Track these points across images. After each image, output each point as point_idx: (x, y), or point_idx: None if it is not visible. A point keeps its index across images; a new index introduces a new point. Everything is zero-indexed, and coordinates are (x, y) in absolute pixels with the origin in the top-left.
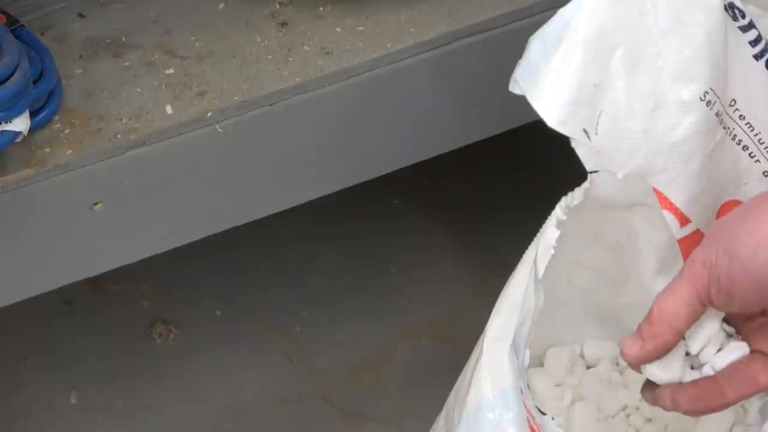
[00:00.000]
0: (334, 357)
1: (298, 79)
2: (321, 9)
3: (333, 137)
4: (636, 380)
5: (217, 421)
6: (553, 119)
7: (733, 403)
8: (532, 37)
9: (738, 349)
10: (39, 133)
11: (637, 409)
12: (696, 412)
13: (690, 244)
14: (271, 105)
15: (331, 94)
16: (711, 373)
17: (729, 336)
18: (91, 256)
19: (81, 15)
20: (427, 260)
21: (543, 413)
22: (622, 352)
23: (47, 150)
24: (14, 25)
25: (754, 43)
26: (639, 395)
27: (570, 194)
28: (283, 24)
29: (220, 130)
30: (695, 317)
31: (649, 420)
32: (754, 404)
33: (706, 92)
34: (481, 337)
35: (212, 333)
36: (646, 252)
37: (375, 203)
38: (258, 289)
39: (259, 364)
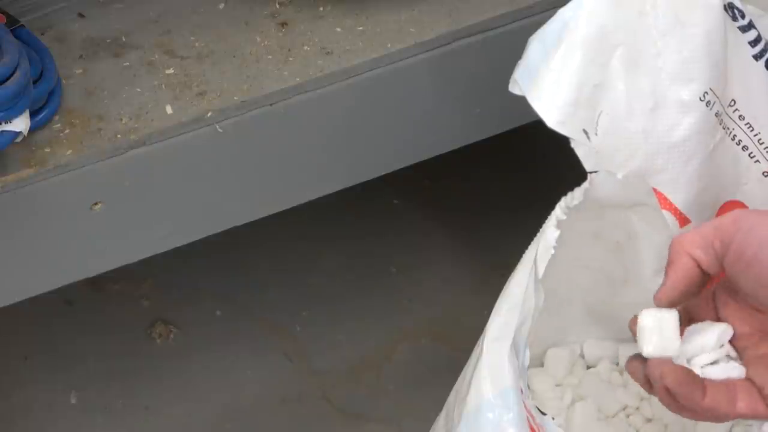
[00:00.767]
0: (334, 357)
1: (298, 79)
2: (321, 9)
3: (333, 137)
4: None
5: (217, 421)
6: (552, 120)
7: (703, 412)
8: (531, 38)
9: (735, 370)
10: (39, 133)
11: (637, 409)
12: (673, 394)
13: None
14: (271, 105)
15: (331, 94)
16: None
17: (729, 358)
18: (91, 256)
19: (81, 15)
20: (427, 260)
21: (543, 413)
22: (655, 298)
23: (47, 150)
24: (14, 25)
25: (753, 43)
26: (639, 395)
27: (570, 194)
28: (283, 24)
29: (220, 130)
30: (708, 259)
31: (649, 420)
32: None
33: (706, 92)
34: (481, 337)
35: (212, 333)
36: (646, 252)
37: (375, 203)
38: (258, 289)
39: (259, 364)
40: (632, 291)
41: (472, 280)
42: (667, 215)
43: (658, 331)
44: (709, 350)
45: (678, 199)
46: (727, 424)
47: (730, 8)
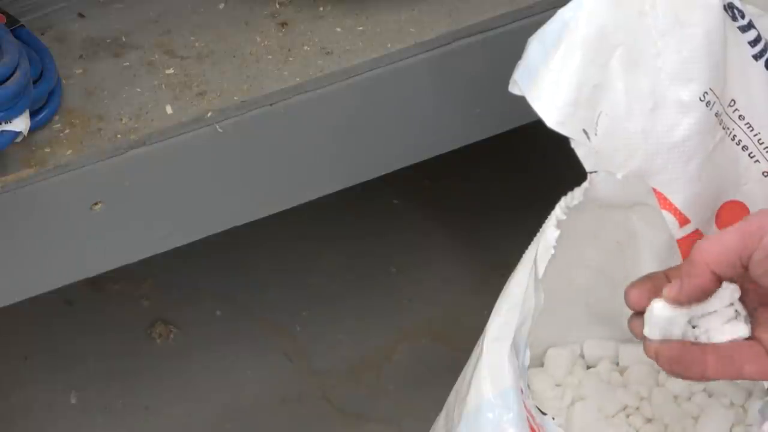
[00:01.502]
0: (334, 357)
1: (298, 79)
2: (321, 9)
3: (333, 137)
4: (636, 381)
5: (217, 421)
6: (552, 120)
7: (712, 378)
8: (531, 38)
9: (739, 330)
10: (39, 133)
11: (637, 409)
12: (672, 372)
13: (689, 244)
14: (271, 105)
15: (331, 94)
16: (704, 341)
17: (737, 315)
18: (91, 256)
19: (81, 15)
20: (427, 260)
21: (543, 413)
22: (664, 292)
23: (47, 150)
24: (14, 25)
25: (753, 43)
26: (639, 395)
27: (570, 194)
28: (283, 24)
29: (220, 130)
30: (732, 271)
31: (649, 420)
32: (754, 404)
33: (706, 92)
34: (481, 337)
35: (212, 333)
36: (646, 252)
37: (375, 203)
38: (258, 289)
39: (259, 364)
40: None
41: (472, 280)
42: (667, 215)
43: (667, 322)
44: (723, 313)
45: (678, 200)
46: (727, 424)
47: (729, 8)
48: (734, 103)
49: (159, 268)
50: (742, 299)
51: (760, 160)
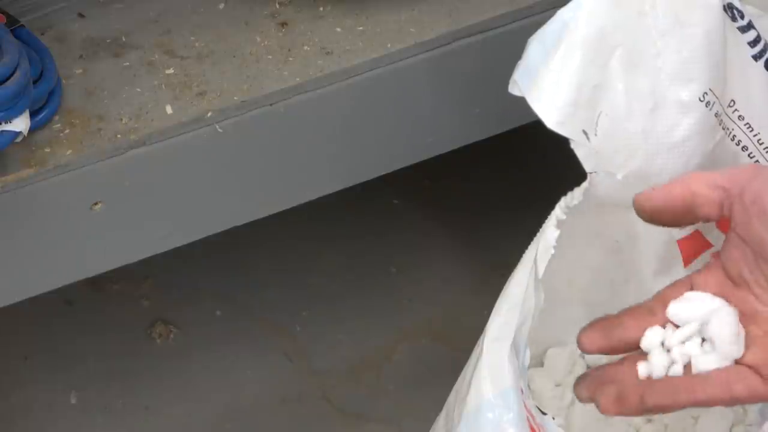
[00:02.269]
0: (334, 357)
1: (298, 79)
2: (321, 9)
3: (333, 137)
4: None
5: (217, 421)
6: (552, 120)
7: (702, 405)
8: (531, 38)
9: (724, 360)
10: (39, 133)
11: None
12: (664, 408)
13: (689, 244)
14: (271, 105)
15: (331, 94)
16: (679, 372)
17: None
18: (91, 256)
19: (81, 15)
20: (427, 260)
21: (544, 413)
22: (635, 197)
23: (47, 150)
24: (14, 25)
25: (753, 43)
26: None
27: (570, 194)
28: (283, 24)
29: (220, 130)
30: (711, 194)
31: (649, 420)
32: (754, 404)
33: (705, 93)
34: (481, 337)
35: (212, 333)
36: (646, 252)
37: (375, 203)
38: (258, 289)
39: (259, 364)
40: (632, 291)
41: (472, 280)
42: None
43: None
44: (698, 331)
45: None
46: (727, 424)
47: (729, 8)
48: (734, 103)
49: (159, 268)
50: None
51: (759, 160)
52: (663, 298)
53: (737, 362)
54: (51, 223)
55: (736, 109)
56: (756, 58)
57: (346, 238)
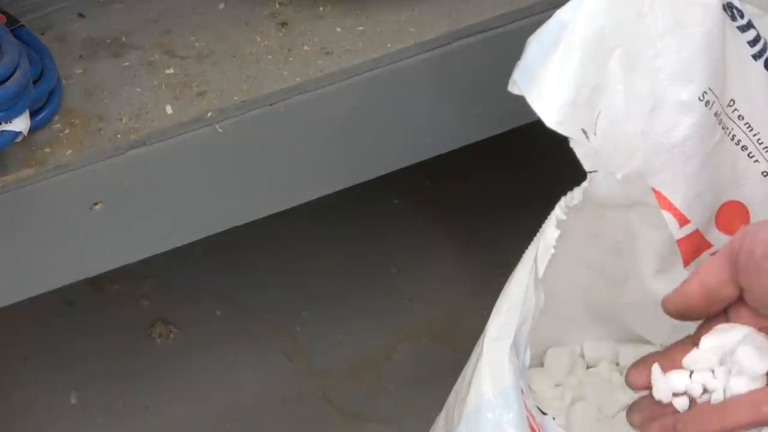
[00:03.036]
0: (334, 357)
1: (298, 79)
2: (321, 9)
3: (333, 137)
4: None
5: (217, 421)
6: (551, 120)
7: (734, 429)
8: (530, 38)
9: (753, 382)
10: (39, 133)
11: None
12: None
13: (689, 244)
14: (271, 105)
15: (331, 94)
16: (720, 397)
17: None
18: (91, 256)
19: (81, 15)
20: (427, 260)
21: (544, 413)
22: (663, 303)
23: (47, 150)
24: (14, 25)
25: (752, 42)
26: (638, 395)
27: (570, 194)
28: (283, 24)
29: (220, 130)
30: (724, 284)
31: None
32: None
33: (705, 92)
34: (482, 337)
35: (212, 333)
36: (646, 251)
37: (375, 203)
38: (258, 289)
39: (259, 364)
40: (632, 291)
41: (472, 280)
42: (667, 215)
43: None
44: (729, 359)
45: (677, 200)
46: None
47: (729, 8)
48: (733, 102)
49: (159, 268)
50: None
51: (759, 160)
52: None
53: None
54: (51, 223)
55: (735, 109)
56: (756, 57)
57: (346, 238)
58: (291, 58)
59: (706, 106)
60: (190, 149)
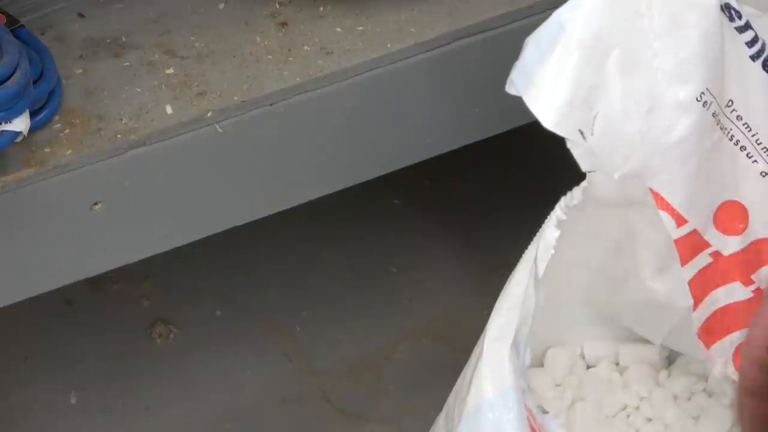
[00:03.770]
0: (334, 357)
1: (298, 79)
2: (321, 9)
3: (333, 137)
4: (636, 381)
5: (217, 421)
6: (549, 121)
7: None
8: (527, 39)
9: None
10: (39, 133)
11: (637, 408)
12: None
13: (687, 244)
14: (271, 105)
15: (331, 94)
16: None
17: None
18: (91, 256)
19: (81, 15)
20: (427, 260)
21: (546, 412)
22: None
23: (47, 150)
24: (14, 25)
25: (750, 43)
26: (638, 395)
27: (569, 194)
28: (283, 24)
29: (220, 130)
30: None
31: (649, 420)
32: None
33: (703, 93)
34: (482, 337)
35: (212, 333)
36: (646, 251)
37: (375, 203)
38: (258, 289)
39: (259, 364)
40: (632, 290)
41: (472, 281)
42: (664, 215)
43: None
44: None
45: (675, 200)
46: (727, 424)
47: (726, 9)
48: (732, 103)
49: (159, 268)
50: None
51: (758, 160)
52: None
53: None
54: (51, 223)
55: (734, 109)
56: (754, 58)
57: (346, 238)
58: (291, 58)
59: (704, 106)
60: (190, 149)
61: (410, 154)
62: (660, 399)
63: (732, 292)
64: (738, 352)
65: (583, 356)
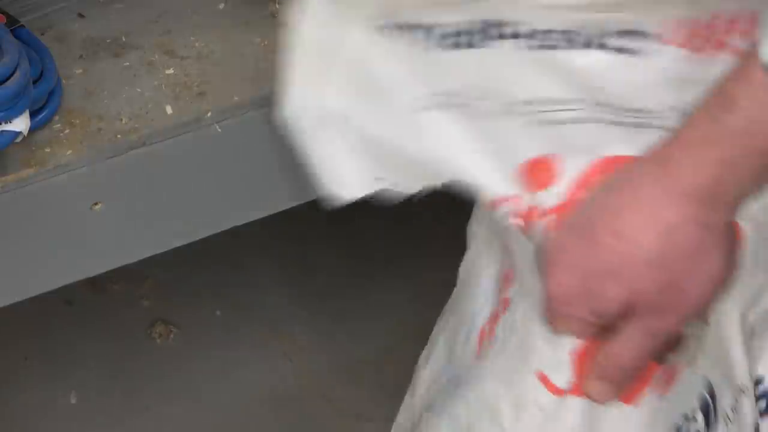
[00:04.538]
0: (334, 357)
1: None
2: None
3: None
4: None
5: (217, 421)
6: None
7: None
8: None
9: None
10: (39, 133)
11: None
12: None
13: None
14: (271, 105)
15: None
16: None
17: None
18: (91, 256)
19: (81, 15)
20: (427, 260)
21: None
22: None
23: (47, 150)
24: (14, 25)
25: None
26: None
27: None
28: (283, 24)
29: (220, 130)
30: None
31: None
32: None
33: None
34: None
35: (212, 333)
36: None
37: (375, 203)
38: (258, 290)
39: (259, 364)
40: None
41: None
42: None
43: None
44: None
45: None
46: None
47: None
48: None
49: (159, 268)
50: None
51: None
52: None
53: None
54: (51, 223)
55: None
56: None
57: (346, 238)
58: None
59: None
60: (190, 149)
61: None
62: None
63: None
64: None
65: None
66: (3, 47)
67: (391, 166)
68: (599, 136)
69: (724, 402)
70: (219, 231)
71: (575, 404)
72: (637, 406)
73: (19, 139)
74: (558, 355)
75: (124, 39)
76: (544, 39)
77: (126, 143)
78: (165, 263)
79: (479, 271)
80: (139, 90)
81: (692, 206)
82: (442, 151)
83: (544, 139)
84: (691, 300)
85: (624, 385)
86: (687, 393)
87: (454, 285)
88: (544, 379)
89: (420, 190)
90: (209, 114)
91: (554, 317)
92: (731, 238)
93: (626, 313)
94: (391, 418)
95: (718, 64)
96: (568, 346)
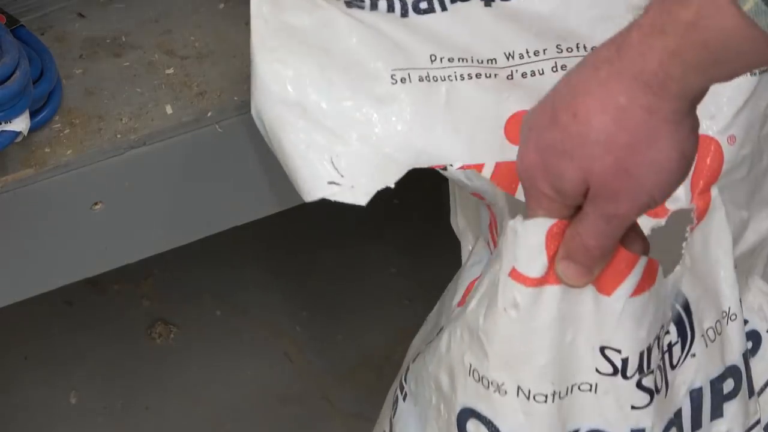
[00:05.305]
0: (334, 357)
1: None
2: None
3: None
4: None
5: (217, 421)
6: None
7: None
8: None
9: None
10: (39, 133)
11: None
12: None
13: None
14: None
15: None
16: None
17: None
18: (91, 256)
19: (81, 15)
20: (427, 260)
21: None
22: None
23: (47, 150)
24: (14, 25)
25: None
26: None
27: None
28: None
29: (220, 130)
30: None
31: None
32: None
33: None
34: None
35: (212, 333)
36: None
37: (375, 203)
38: (258, 289)
39: (259, 364)
40: None
41: None
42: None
43: None
44: None
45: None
46: None
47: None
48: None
49: (159, 268)
50: None
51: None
52: None
53: None
54: (51, 223)
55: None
56: None
57: (346, 239)
58: None
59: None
60: (190, 149)
61: None
62: None
63: None
64: None
65: None
66: (3, 47)
67: (343, 165)
68: None
69: (705, 323)
70: (219, 231)
71: (550, 297)
72: (612, 298)
73: (19, 139)
74: (531, 241)
75: (124, 39)
76: None
77: (126, 143)
78: (165, 263)
79: (472, 236)
80: (139, 90)
81: (639, 90)
82: (406, 133)
83: (522, 95)
84: (642, 187)
85: (592, 269)
86: (661, 303)
87: None
88: (518, 276)
89: (369, 198)
90: (209, 114)
91: (526, 196)
92: (683, 132)
93: (587, 194)
94: None
95: None
96: (543, 227)
